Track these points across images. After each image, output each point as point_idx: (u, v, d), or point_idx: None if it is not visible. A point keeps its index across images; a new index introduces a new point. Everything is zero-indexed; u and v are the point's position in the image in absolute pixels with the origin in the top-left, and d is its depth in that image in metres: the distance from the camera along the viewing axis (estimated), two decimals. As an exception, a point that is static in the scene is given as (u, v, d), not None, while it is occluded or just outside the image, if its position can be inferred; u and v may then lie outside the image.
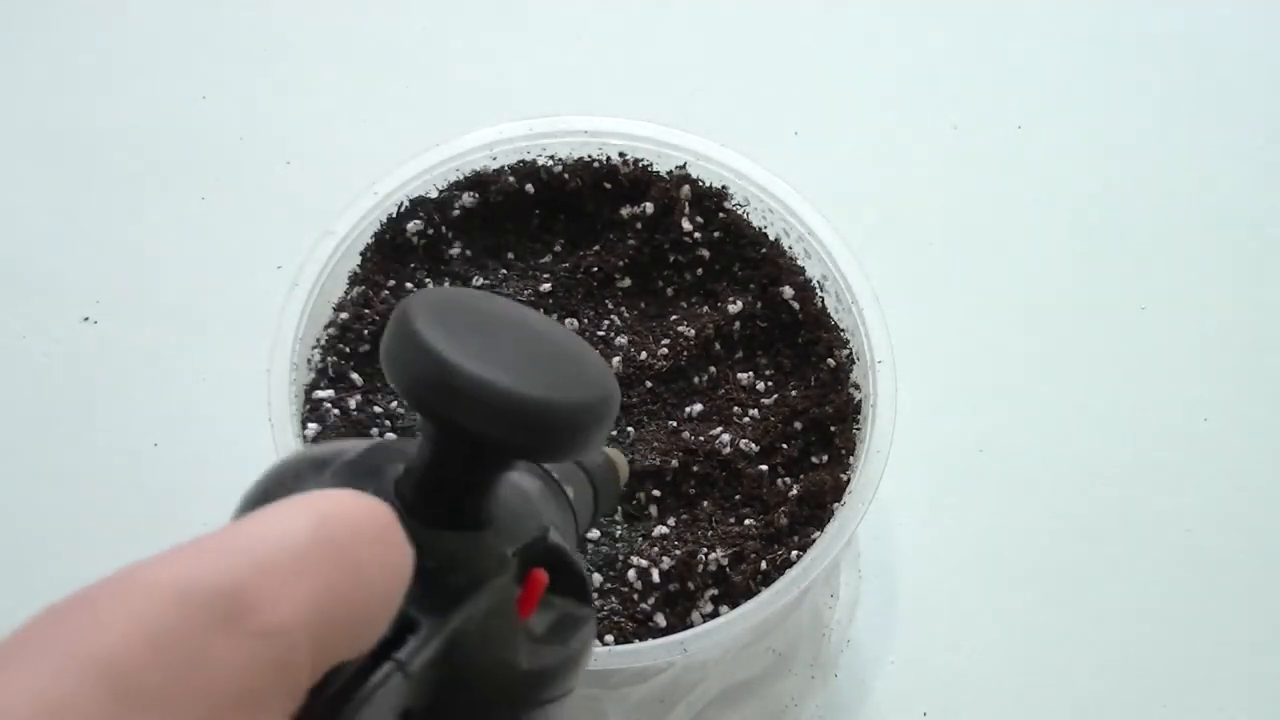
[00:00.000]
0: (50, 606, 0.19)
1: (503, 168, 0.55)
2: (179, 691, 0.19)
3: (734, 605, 0.46)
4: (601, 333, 0.54)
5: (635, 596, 0.48)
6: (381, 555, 0.22)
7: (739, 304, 0.53)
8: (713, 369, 0.53)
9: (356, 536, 0.22)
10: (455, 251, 0.54)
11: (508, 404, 0.24)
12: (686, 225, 0.55)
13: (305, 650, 0.20)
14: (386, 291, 0.53)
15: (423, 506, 0.26)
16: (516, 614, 0.27)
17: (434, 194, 0.54)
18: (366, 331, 0.51)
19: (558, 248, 0.55)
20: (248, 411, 0.51)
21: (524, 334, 0.27)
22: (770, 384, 0.53)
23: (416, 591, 0.24)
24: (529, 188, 0.55)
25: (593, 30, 0.78)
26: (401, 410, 0.50)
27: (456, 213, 0.55)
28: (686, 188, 0.55)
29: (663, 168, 0.55)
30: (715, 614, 0.47)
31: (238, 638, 0.19)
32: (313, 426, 0.49)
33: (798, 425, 0.51)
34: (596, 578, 0.48)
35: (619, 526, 0.50)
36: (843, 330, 0.53)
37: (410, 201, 0.54)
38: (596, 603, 0.48)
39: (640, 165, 0.55)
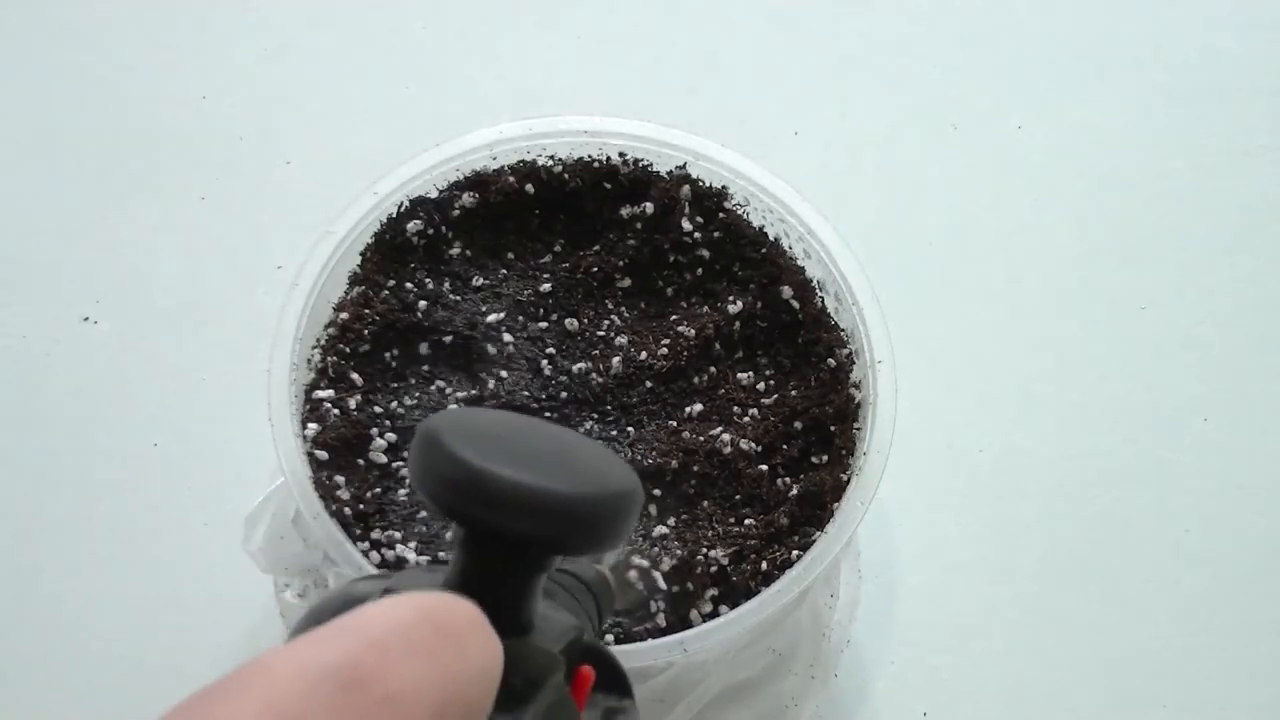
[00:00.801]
0: (187, 699, 0.21)
1: (503, 168, 0.55)
2: None
3: (734, 605, 0.46)
4: (601, 333, 0.54)
5: (635, 596, 0.48)
6: (480, 640, 0.24)
7: (739, 304, 0.53)
8: (713, 369, 0.53)
9: (456, 622, 0.24)
10: (455, 251, 0.54)
11: (540, 501, 0.26)
12: (686, 225, 0.55)
13: None
14: (386, 291, 0.53)
15: None
16: (575, 708, 0.28)
17: (434, 194, 0.54)
18: (366, 331, 0.51)
19: (558, 248, 0.55)
20: (248, 411, 0.51)
21: (542, 440, 0.29)
22: (770, 384, 0.53)
23: None
24: (529, 188, 0.55)
25: (593, 30, 0.78)
26: (402, 411, 0.50)
27: (456, 213, 0.55)
28: (686, 188, 0.55)
29: (663, 168, 0.55)
30: (715, 614, 0.47)
31: (361, 706, 0.21)
32: (313, 426, 0.49)
33: (798, 425, 0.51)
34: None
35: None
36: (843, 330, 0.53)
37: (410, 201, 0.54)
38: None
39: (640, 165, 0.55)
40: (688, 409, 0.52)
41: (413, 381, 0.51)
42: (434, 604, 0.24)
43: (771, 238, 0.55)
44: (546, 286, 0.54)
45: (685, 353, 0.53)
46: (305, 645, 0.22)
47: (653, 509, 0.50)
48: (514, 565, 0.28)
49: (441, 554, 0.47)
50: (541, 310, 0.53)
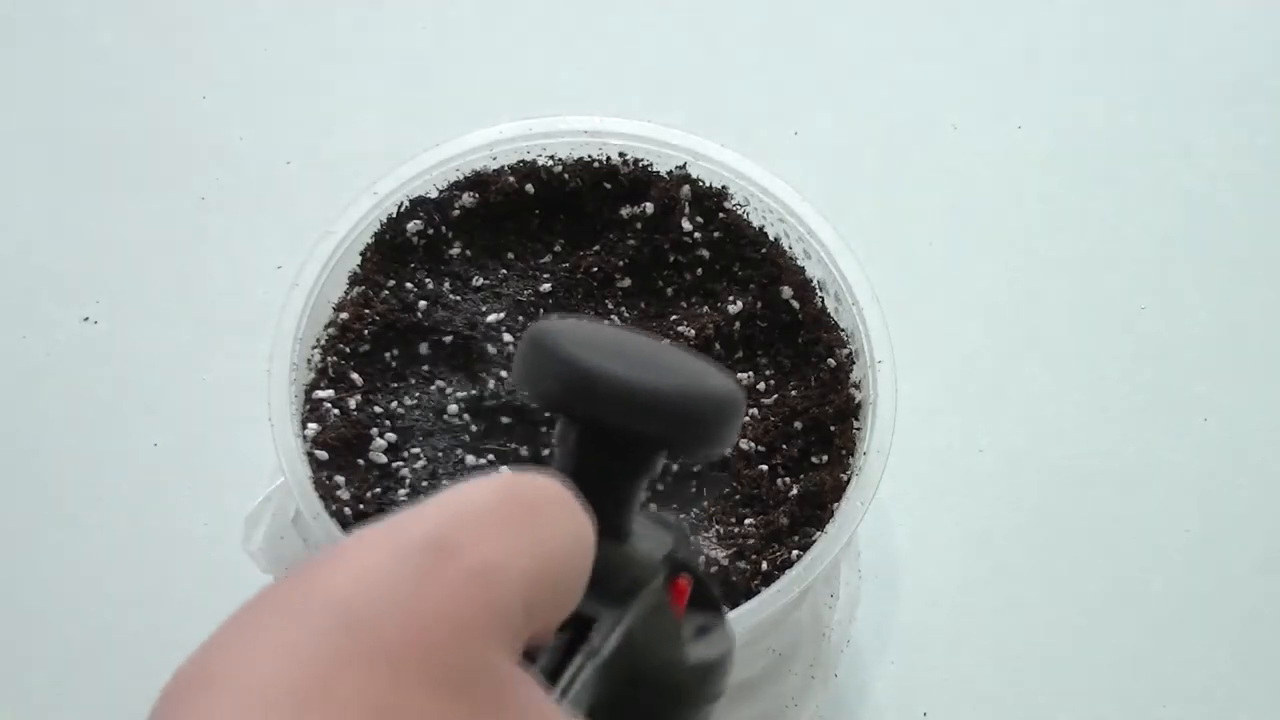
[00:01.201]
0: (291, 572, 0.22)
1: (503, 168, 0.55)
2: (401, 624, 0.21)
3: (734, 605, 0.46)
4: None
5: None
6: (568, 515, 0.24)
7: (739, 304, 0.53)
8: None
9: (543, 497, 0.24)
10: (455, 251, 0.54)
11: (653, 397, 0.27)
12: (686, 225, 0.55)
13: (517, 596, 0.22)
14: (386, 291, 0.53)
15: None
16: (674, 614, 0.29)
17: (434, 194, 0.54)
18: (366, 331, 0.51)
19: (558, 248, 0.55)
20: (248, 411, 0.51)
21: (648, 346, 0.29)
22: (770, 384, 0.53)
23: (588, 590, 0.25)
24: (529, 188, 0.55)
25: (593, 30, 0.78)
26: (402, 411, 0.50)
27: (456, 213, 0.55)
28: (686, 188, 0.55)
29: (663, 168, 0.55)
30: (715, 614, 0.47)
31: (451, 574, 0.21)
32: (313, 426, 0.49)
33: (798, 425, 0.51)
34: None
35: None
36: (843, 330, 0.53)
37: (410, 201, 0.54)
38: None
39: (640, 165, 0.55)
40: (688, 409, 0.52)
41: (413, 381, 0.51)
42: (520, 480, 0.24)
43: (771, 238, 0.55)
44: (547, 286, 0.54)
45: (685, 353, 0.53)
46: (395, 522, 0.22)
47: (653, 508, 0.50)
48: (621, 466, 0.28)
49: None
50: (542, 310, 0.53)
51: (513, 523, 0.23)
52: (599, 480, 0.27)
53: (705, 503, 0.50)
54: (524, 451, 0.50)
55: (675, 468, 0.50)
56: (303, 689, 0.20)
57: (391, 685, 0.20)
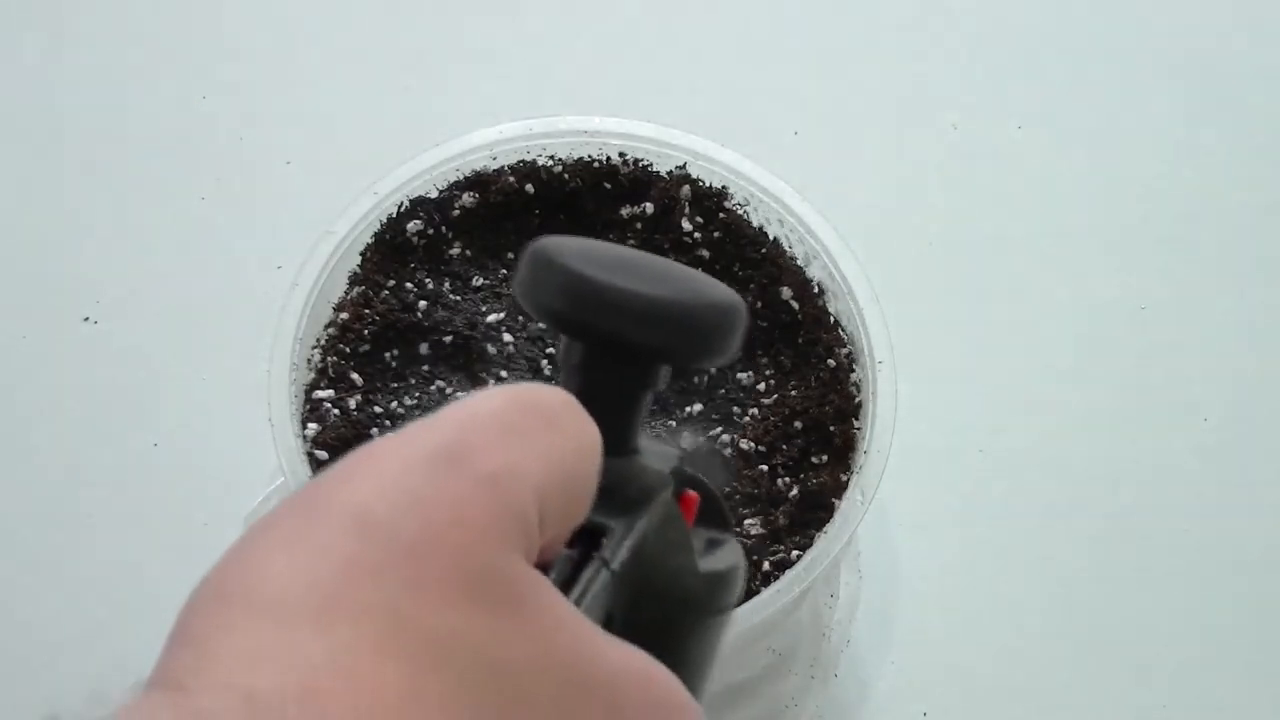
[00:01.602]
0: (309, 484, 0.22)
1: (503, 168, 0.55)
2: (417, 530, 0.21)
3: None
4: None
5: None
6: (576, 423, 0.24)
7: (739, 304, 0.53)
8: (712, 369, 0.53)
9: (550, 406, 0.24)
10: (455, 251, 0.54)
11: (653, 307, 0.27)
12: (686, 225, 0.55)
13: (530, 501, 0.22)
14: (386, 291, 0.53)
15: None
16: (684, 524, 0.29)
17: (434, 194, 0.54)
18: (366, 331, 0.51)
19: (558, 248, 0.55)
20: (248, 411, 0.51)
21: (648, 260, 0.29)
22: (770, 384, 0.53)
23: (598, 502, 0.25)
24: (529, 188, 0.55)
25: (593, 30, 0.78)
26: (402, 411, 0.50)
27: (456, 213, 0.55)
28: (686, 188, 0.55)
29: (663, 168, 0.55)
30: (715, 614, 0.47)
31: (463, 480, 0.22)
32: (313, 426, 0.49)
33: (798, 425, 0.51)
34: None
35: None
36: (843, 330, 0.53)
37: (410, 201, 0.54)
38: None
39: (640, 165, 0.55)
40: (687, 408, 0.52)
41: (413, 381, 0.51)
42: (528, 390, 0.24)
43: (771, 238, 0.55)
44: (546, 286, 0.54)
45: (685, 353, 0.53)
46: (407, 432, 0.23)
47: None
48: (625, 378, 0.28)
49: None
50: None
51: (523, 430, 0.23)
52: (604, 394, 0.28)
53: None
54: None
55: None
56: (320, 598, 0.20)
57: (408, 591, 0.20)
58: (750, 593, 0.47)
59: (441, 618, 0.20)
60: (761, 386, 0.53)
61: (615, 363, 0.28)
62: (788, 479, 0.50)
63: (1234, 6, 0.80)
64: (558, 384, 0.28)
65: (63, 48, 0.75)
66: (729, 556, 0.30)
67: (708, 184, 0.55)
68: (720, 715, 0.52)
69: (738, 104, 0.75)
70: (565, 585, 0.24)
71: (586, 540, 0.25)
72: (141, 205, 0.70)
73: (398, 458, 0.22)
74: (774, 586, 0.46)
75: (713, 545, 0.30)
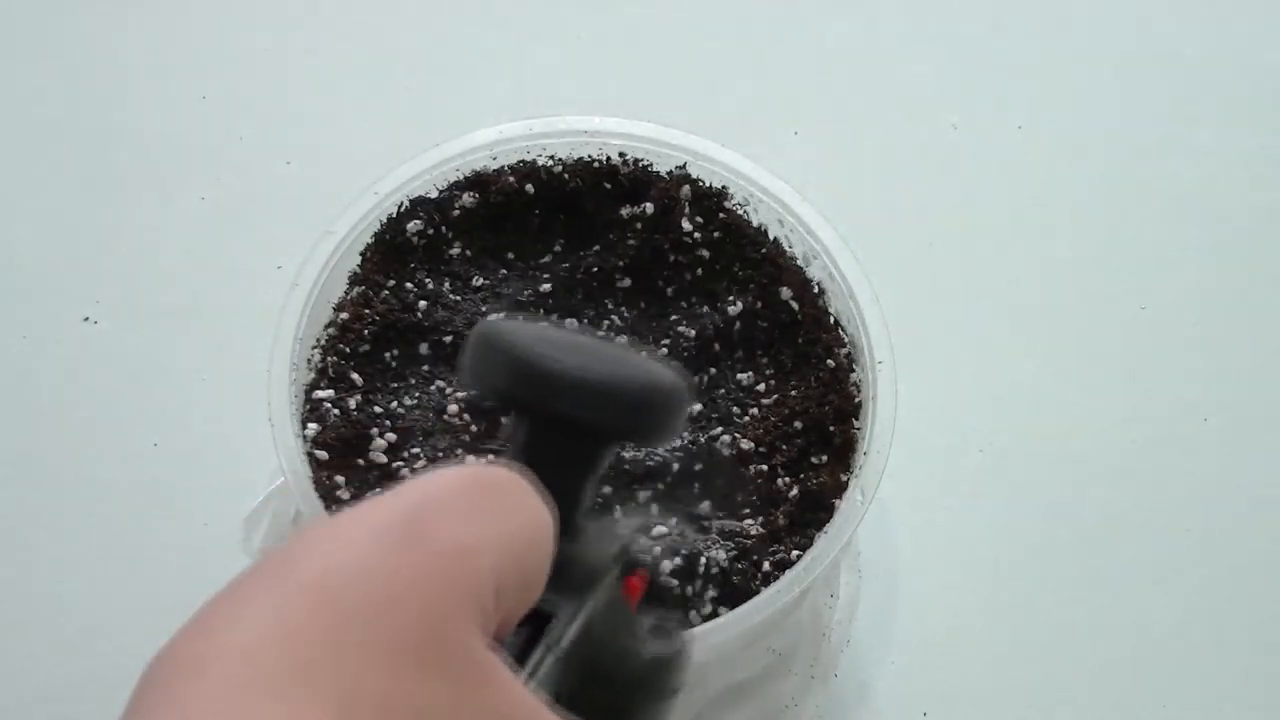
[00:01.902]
0: (276, 547, 0.22)
1: (503, 168, 0.55)
2: (376, 597, 0.21)
3: (734, 606, 0.46)
4: (601, 333, 0.54)
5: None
6: (532, 502, 0.25)
7: (739, 304, 0.53)
8: (713, 369, 0.53)
9: (507, 485, 0.25)
10: (455, 251, 0.54)
11: (602, 386, 0.27)
12: (686, 225, 0.55)
13: (487, 578, 0.22)
14: (386, 291, 0.53)
15: None
16: (629, 607, 0.29)
17: (434, 194, 0.54)
18: (366, 331, 0.51)
19: (558, 248, 0.55)
20: (248, 411, 0.51)
21: (594, 343, 0.30)
22: (770, 384, 0.53)
23: (546, 587, 0.25)
24: (529, 188, 0.55)
25: (593, 30, 0.78)
26: (402, 411, 0.50)
27: (456, 213, 0.55)
28: (686, 188, 0.55)
29: (663, 168, 0.55)
30: (715, 614, 0.47)
31: (423, 554, 0.22)
32: (313, 426, 0.49)
33: (798, 425, 0.51)
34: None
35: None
36: (843, 330, 0.53)
37: (410, 201, 0.54)
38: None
39: (640, 165, 0.55)
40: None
41: (413, 381, 0.51)
42: (486, 470, 0.24)
43: (771, 238, 0.55)
44: (546, 286, 0.54)
45: (685, 353, 0.53)
46: (369, 505, 0.23)
47: (653, 508, 0.50)
48: (571, 458, 0.29)
49: None
50: (541, 310, 0.54)
51: (483, 509, 0.23)
52: (551, 474, 0.28)
53: (705, 503, 0.50)
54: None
55: (676, 466, 0.50)
56: (275, 666, 0.20)
57: (365, 659, 0.20)
58: (750, 593, 0.47)
59: (397, 686, 0.20)
60: (761, 386, 0.53)
61: (562, 440, 0.28)
62: (788, 479, 0.50)
63: (1234, 6, 0.80)
64: (506, 457, 0.28)
65: (63, 47, 0.75)
66: (675, 640, 0.31)
67: (708, 184, 0.55)
68: (720, 715, 0.52)
69: (738, 104, 0.75)
70: (515, 664, 0.24)
71: (535, 623, 0.26)
72: (141, 205, 0.70)
73: (361, 528, 0.22)
74: (774, 586, 0.46)
75: (658, 629, 0.31)
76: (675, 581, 0.47)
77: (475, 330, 0.29)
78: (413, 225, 0.54)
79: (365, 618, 0.21)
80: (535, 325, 0.30)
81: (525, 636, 0.25)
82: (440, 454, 0.50)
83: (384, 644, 0.21)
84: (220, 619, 0.21)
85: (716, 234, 0.55)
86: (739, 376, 0.53)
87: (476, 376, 0.28)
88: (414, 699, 0.20)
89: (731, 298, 0.54)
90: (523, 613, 0.25)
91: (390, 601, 0.21)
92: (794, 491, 0.49)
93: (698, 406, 0.52)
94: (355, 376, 0.51)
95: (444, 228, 0.54)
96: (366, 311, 0.52)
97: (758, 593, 0.46)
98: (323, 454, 0.48)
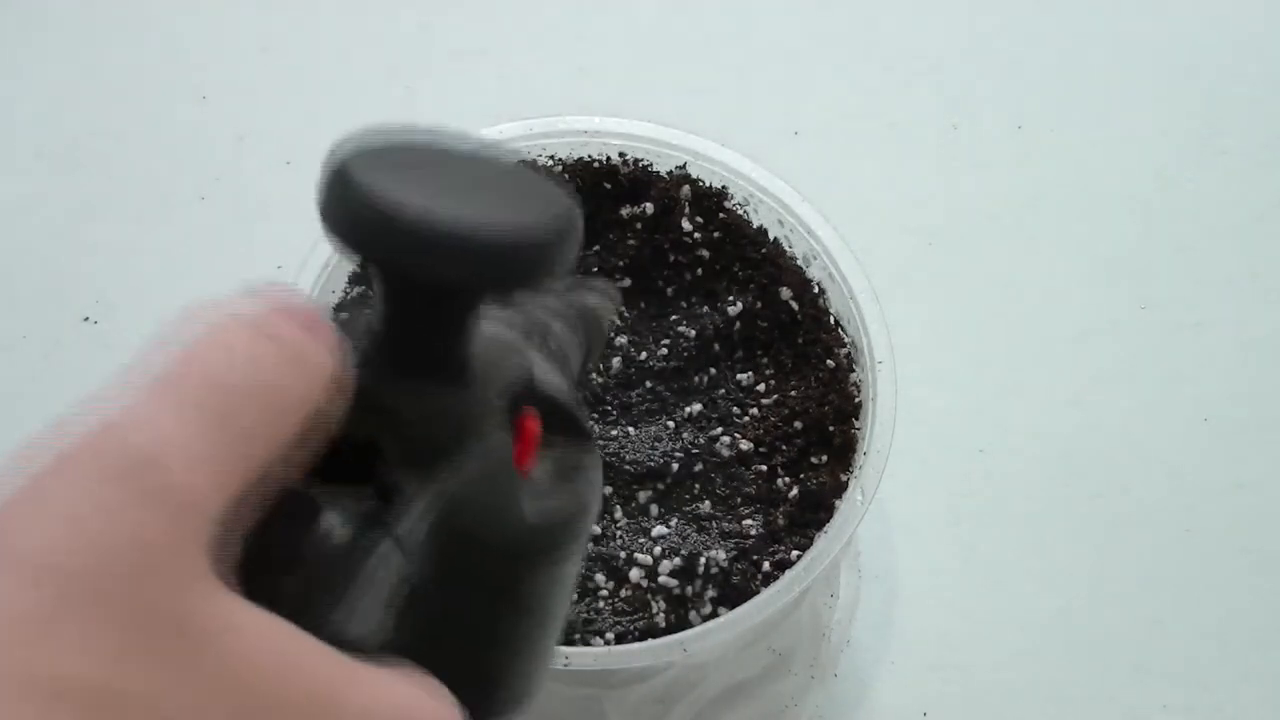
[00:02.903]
0: None
1: (503, 168, 0.55)
2: (92, 570, 0.19)
3: (734, 606, 0.46)
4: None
5: (635, 596, 0.48)
6: (230, 332, 0.23)
7: (739, 304, 0.53)
8: (712, 369, 0.53)
9: (191, 328, 0.23)
10: (455, 251, 0.54)
11: (453, 236, 0.22)
12: (686, 225, 0.55)
13: (197, 481, 0.19)
14: (386, 291, 0.52)
15: (390, 364, 0.24)
16: (514, 466, 0.25)
17: (434, 194, 0.54)
18: (366, 331, 0.51)
19: (558, 248, 0.55)
20: (248, 411, 0.51)
21: (469, 167, 0.25)
22: (770, 384, 0.53)
23: (398, 454, 0.22)
24: (529, 188, 0.55)
25: (593, 30, 0.78)
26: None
27: (457, 213, 0.54)
28: (686, 188, 0.55)
29: (663, 168, 0.55)
30: (715, 614, 0.47)
31: (95, 485, 0.20)
32: (313, 426, 0.49)
33: (798, 425, 0.51)
34: (599, 577, 0.48)
35: (618, 527, 0.50)
36: (843, 330, 0.53)
37: (410, 201, 0.54)
38: (597, 604, 0.48)
39: (640, 165, 0.55)
40: (687, 409, 0.52)
41: (413, 381, 0.51)
42: (161, 330, 0.21)
43: (771, 238, 0.55)
44: (546, 286, 0.54)
45: (685, 353, 0.53)
46: (33, 440, 0.21)
47: (653, 509, 0.50)
48: (434, 308, 0.24)
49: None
50: (541, 310, 0.53)
51: (155, 387, 0.21)
52: (410, 332, 0.24)
53: (705, 503, 0.50)
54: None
55: (676, 466, 0.50)
56: None
57: (78, 646, 0.18)
58: (750, 593, 0.47)
59: (97, 673, 0.18)
60: (761, 387, 0.53)
61: (420, 301, 0.24)
62: (787, 479, 0.50)
63: (1234, 6, 0.80)
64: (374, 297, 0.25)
65: (63, 47, 0.75)
66: (581, 481, 0.27)
67: (708, 184, 0.55)
68: (720, 715, 0.52)
69: (738, 104, 0.75)
70: (338, 562, 0.21)
71: (379, 497, 0.22)
72: (141, 205, 0.70)
73: (34, 473, 0.20)
74: (774, 586, 0.46)
75: (563, 471, 0.27)
76: (675, 581, 0.47)
77: (328, 157, 0.24)
78: (413, 225, 0.54)
79: (80, 597, 0.18)
80: (399, 146, 0.24)
81: (360, 517, 0.22)
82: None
83: (99, 623, 0.18)
84: None
85: (716, 234, 0.55)
86: (739, 377, 0.53)
87: (322, 216, 0.23)
88: (119, 685, 0.18)
89: (731, 298, 0.54)
90: (316, 448, 0.22)
91: (107, 573, 0.18)
92: (794, 491, 0.49)
93: (698, 406, 0.52)
94: (355, 376, 0.51)
95: (444, 228, 0.54)
96: (367, 311, 0.52)
97: (758, 593, 0.46)
98: (323, 454, 0.48)
